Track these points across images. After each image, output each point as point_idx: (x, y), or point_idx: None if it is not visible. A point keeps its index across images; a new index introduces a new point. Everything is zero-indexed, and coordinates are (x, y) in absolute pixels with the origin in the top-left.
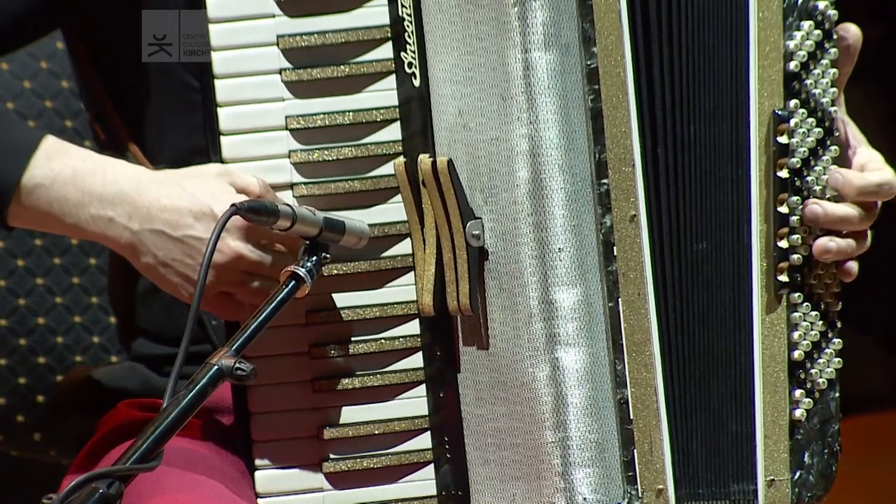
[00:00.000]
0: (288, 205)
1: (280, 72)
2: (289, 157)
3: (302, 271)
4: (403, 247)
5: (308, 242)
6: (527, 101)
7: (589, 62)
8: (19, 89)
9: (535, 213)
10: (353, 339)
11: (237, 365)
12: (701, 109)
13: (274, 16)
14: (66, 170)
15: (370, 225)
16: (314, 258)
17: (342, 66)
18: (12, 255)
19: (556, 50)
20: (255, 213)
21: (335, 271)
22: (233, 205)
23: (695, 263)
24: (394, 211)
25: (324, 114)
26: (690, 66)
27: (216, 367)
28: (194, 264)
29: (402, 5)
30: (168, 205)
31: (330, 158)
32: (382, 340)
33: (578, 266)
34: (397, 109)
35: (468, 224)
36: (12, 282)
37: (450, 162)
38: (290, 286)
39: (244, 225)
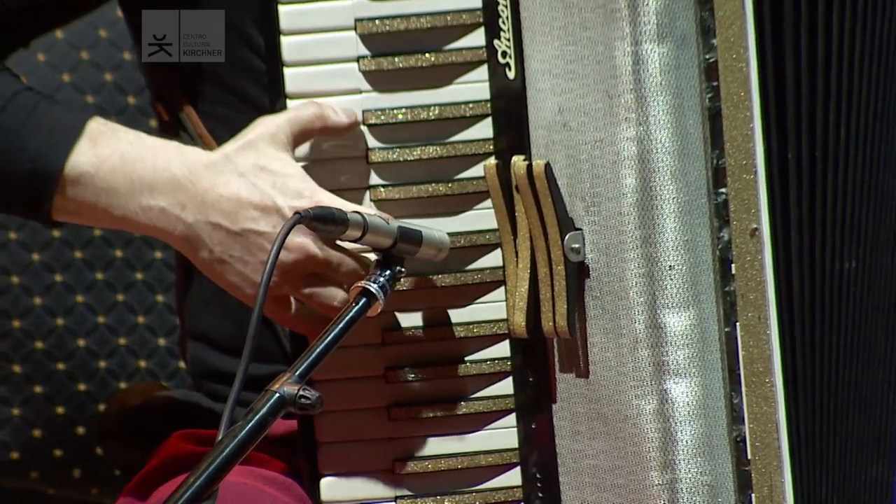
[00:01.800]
0: (358, 212)
1: (357, 60)
2: (366, 156)
3: (374, 287)
4: (493, 259)
5: (381, 255)
6: (636, 100)
7: (707, 56)
8: (57, 83)
9: (642, 226)
10: (435, 361)
11: (301, 392)
12: (862, 110)
13: None
14: (114, 155)
15: (455, 234)
16: (387, 272)
17: (427, 55)
18: (49, 270)
19: (671, 42)
20: (322, 222)
21: (416, 284)
22: (297, 212)
23: (836, 285)
24: (482, 218)
25: (406, 108)
26: (842, 60)
27: (277, 394)
28: (254, 262)
29: None
30: (226, 194)
31: (412, 158)
32: (468, 363)
33: (691, 286)
34: (489, 104)
35: (567, 236)
36: (49, 299)
37: (547, 165)
38: (360, 304)
39: None
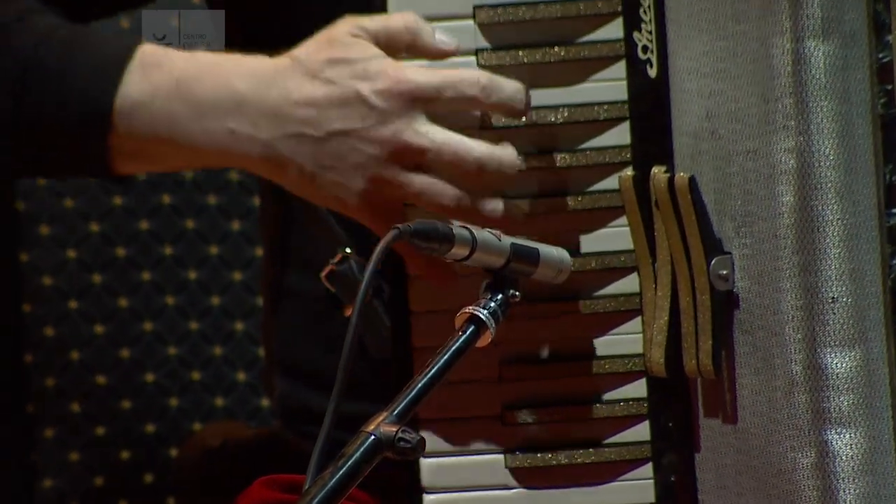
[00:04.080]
0: (466, 227)
1: (476, 53)
2: None
3: (483, 313)
4: (628, 284)
5: (492, 276)
6: (796, 105)
7: (881, 55)
8: None
9: (801, 251)
10: (559, 401)
11: (400, 435)
12: None
13: None
14: (169, 80)
15: (585, 255)
16: (499, 296)
17: (556, 49)
18: (112, 294)
19: (837, 39)
20: (424, 238)
21: (539, 312)
22: (395, 227)
23: None
24: (617, 238)
25: (531, 109)
26: None
27: (372, 437)
28: (349, 167)
29: None
30: (301, 98)
31: (538, 167)
32: (598, 405)
33: (857, 321)
34: (626, 106)
35: (713, 261)
36: (113, 327)
37: (691, 179)
38: (468, 332)
39: (410, 96)
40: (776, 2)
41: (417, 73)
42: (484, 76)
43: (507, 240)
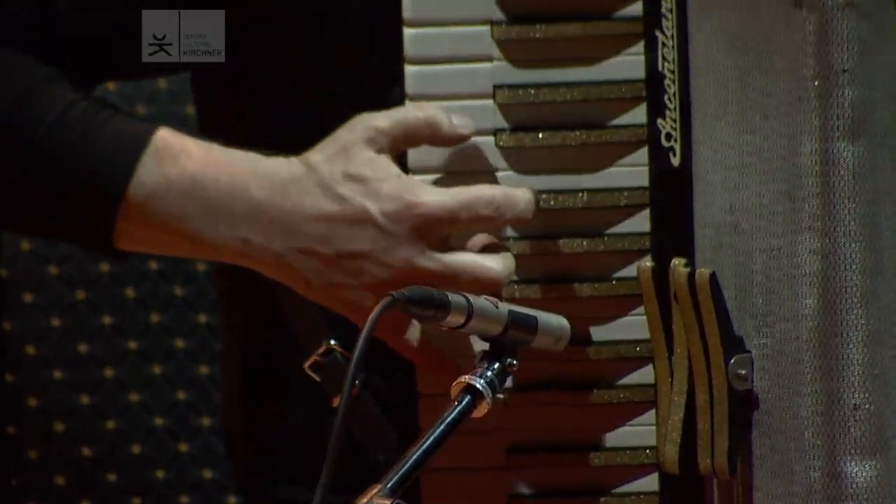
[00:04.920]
0: (462, 294)
1: (494, 133)
2: None
3: (479, 383)
4: (642, 376)
5: (489, 344)
6: (822, 206)
7: None
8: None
9: (823, 356)
10: (567, 492)
11: None
12: None
13: (492, 59)
14: (183, 177)
15: (600, 343)
16: (496, 365)
17: (577, 133)
18: (98, 364)
19: (867, 140)
20: (419, 306)
21: (549, 400)
22: (391, 295)
23: None
24: (634, 327)
25: (550, 193)
26: None
27: None
28: (359, 286)
29: (664, 58)
30: (313, 214)
31: (555, 251)
32: (608, 498)
33: (878, 430)
34: (647, 193)
35: (732, 359)
36: (99, 398)
37: (712, 276)
38: (464, 402)
39: (423, 220)
40: (806, 100)
41: (431, 195)
42: (499, 194)
43: (505, 307)
